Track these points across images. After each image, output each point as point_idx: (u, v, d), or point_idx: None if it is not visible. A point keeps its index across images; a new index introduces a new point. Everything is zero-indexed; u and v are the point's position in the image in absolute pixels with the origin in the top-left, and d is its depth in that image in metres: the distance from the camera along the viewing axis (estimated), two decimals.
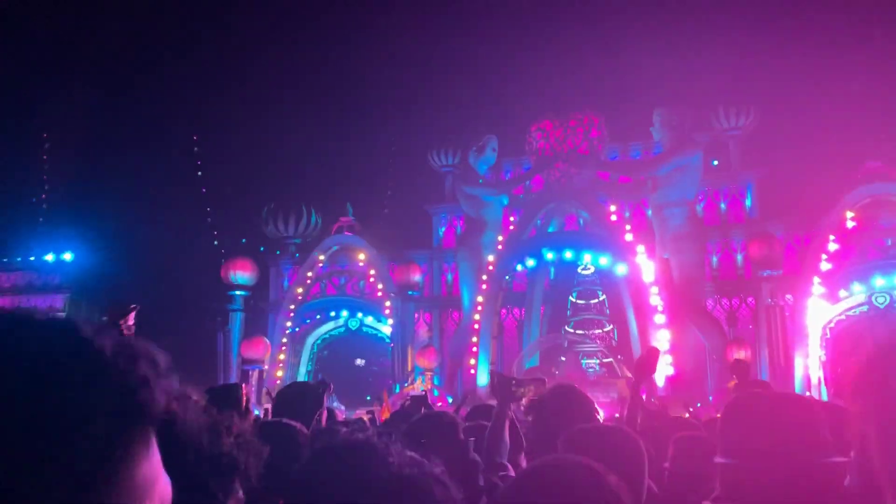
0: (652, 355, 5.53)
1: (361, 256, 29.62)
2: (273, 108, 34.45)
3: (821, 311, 24.05)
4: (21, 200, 33.41)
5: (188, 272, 30.03)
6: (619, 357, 25.14)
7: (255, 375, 28.80)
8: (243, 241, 31.87)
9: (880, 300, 24.75)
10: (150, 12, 32.86)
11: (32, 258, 33.14)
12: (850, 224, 23.87)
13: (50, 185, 33.58)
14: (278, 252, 32.01)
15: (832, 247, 23.83)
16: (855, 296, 24.92)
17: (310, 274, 30.02)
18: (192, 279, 30.21)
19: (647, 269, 23.98)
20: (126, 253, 31.93)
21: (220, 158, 33.94)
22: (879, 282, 24.22)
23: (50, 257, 32.68)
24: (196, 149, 33.16)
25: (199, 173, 33.19)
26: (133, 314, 3.26)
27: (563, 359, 25.78)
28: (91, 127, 31.09)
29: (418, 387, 26.32)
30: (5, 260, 33.57)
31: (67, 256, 32.59)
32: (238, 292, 30.03)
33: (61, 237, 32.60)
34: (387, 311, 28.65)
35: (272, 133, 34.71)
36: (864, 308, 25.23)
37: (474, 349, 25.77)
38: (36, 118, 32.54)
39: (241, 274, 29.81)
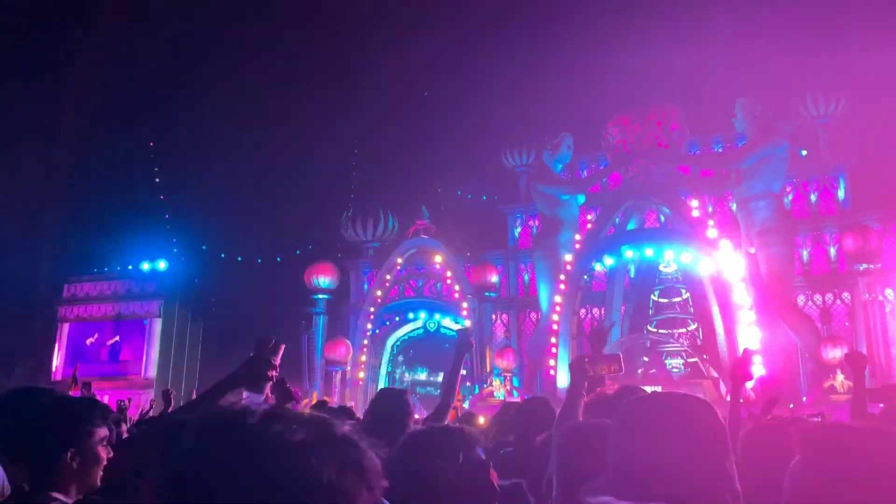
0: (745, 359, 5.34)
1: (438, 258, 29.96)
2: (350, 114, 35.26)
3: None
4: (117, 211, 35.45)
5: (273, 277, 31.14)
6: (704, 356, 24.40)
7: (338, 377, 29.64)
8: (309, 247, 32.74)
9: None
10: (240, 17, 34.19)
11: (130, 267, 35.17)
12: None
13: (146, 195, 35.51)
14: (357, 256, 32.83)
15: None
16: None
17: (388, 277, 30.60)
18: (278, 284, 31.32)
19: (733, 264, 23.19)
20: (216, 261, 33.46)
21: (301, 164, 35.02)
22: None
23: (146, 266, 34.60)
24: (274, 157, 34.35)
25: (284, 179, 34.36)
26: (281, 351, 3.36)
27: (645, 359, 25.24)
28: (186, 141, 32.73)
29: (497, 388, 26.39)
30: (106, 269, 35.77)
31: (161, 265, 34.39)
32: (320, 296, 30.99)
33: (156, 246, 34.46)
34: (464, 313, 28.85)
35: (350, 138, 35.54)
36: None
37: (553, 350, 25.58)
38: (142, 136, 34.40)
39: (323, 278, 30.74)
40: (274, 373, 3.20)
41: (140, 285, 34.41)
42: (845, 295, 24.78)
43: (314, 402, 27.50)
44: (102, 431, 3.01)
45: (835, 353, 22.06)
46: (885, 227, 24.58)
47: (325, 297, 31.07)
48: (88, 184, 34.33)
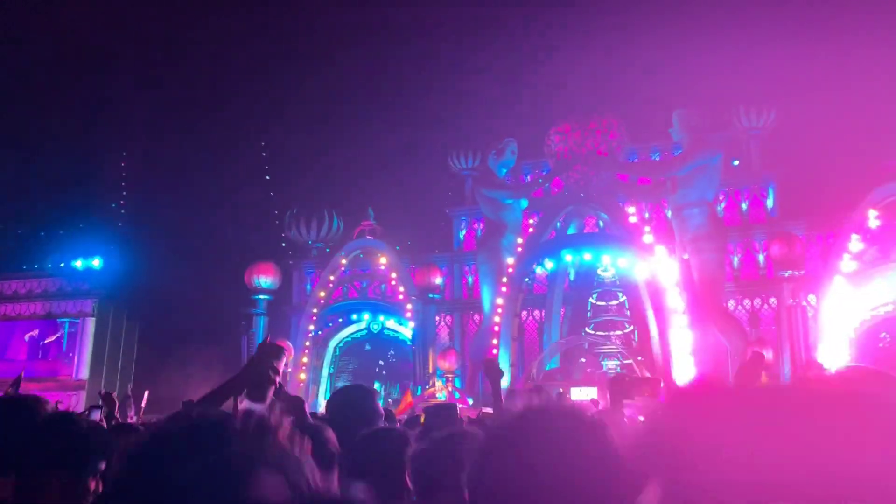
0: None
1: (383, 260, 29.96)
2: (296, 114, 34.95)
3: (846, 312, 23.78)
4: (50, 208, 34.26)
5: (213, 277, 30.56)
6: (638, 358, 25.11)
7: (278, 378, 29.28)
8: (251, 247, 32.29)
9: None
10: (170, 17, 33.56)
11: (62, 264, 34.00)
12: (873, 223, 23.61)
13: (80, 193, 34.39)
14: (301, 257, 32.54)
15: (855, 246, 23.57)
16: (880, 295, 24.64)
17: (332, 278, 30.43)
18: (217, 284, 30.74)
19: (667, 270, 23.96)
20: (152, 259, 32.63)
21: (243, 164, 34.52)
22: None
23: (79, 264, 33.50)
24: (220, 154, 33.77)
25: (224, 179, 33.76)
26: (284, 357, 3.20)
27: (583, 360, 25.83)
28: (124, 136, 31.86)
29: (439, 389, 26.56)
30: (36, 266, 34.49)
31: (96, 263, 33.37)
32: (262, 296, 30.55)
33: (90, 244, 33.39)
34: (408, 314, 28.94)
35: (294, 138, 35.21)
36: (889, 308, 24.94)
37: (494, 351, 25.90)
38: (78, 131, 33.34)
39: (265, 278, 30.32)
40: (278, 378, 3.08)
41: (73, 283, 33.28)
42: (772, 300, 25.91)
43: None
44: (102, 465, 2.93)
45: (768, 354, 23.04)
46: (809, 236, 25.78)
47: (266, 297, 30.65)
48: (20, 180, 33.09)
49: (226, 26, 34.89)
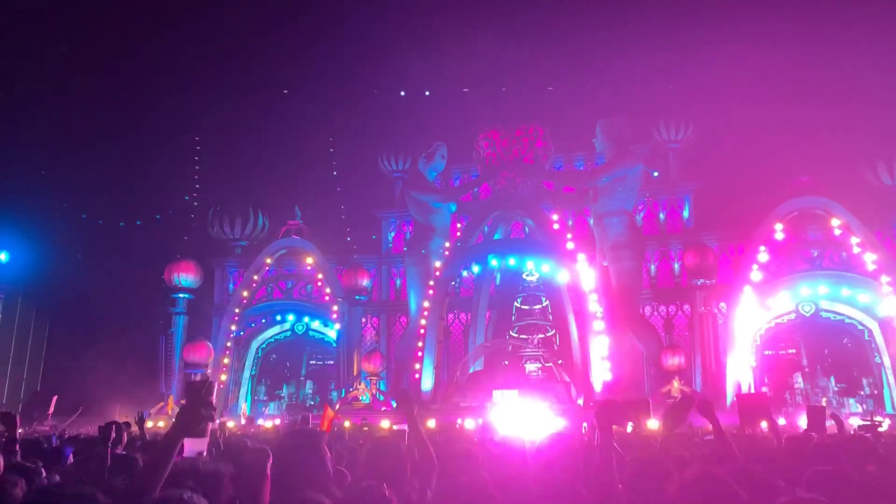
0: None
1: (309, 260, 29.57)
2: (222, 110, 34.09)
3: (751, 319, 25.08)
4: None
5: (130, 274, 29.42)
6: (559, 361, 25.72)
7: (197, 379, 28.44)
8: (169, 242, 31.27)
9: (806, 309, 26.00)
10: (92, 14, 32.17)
11: None
12: (779, 236, 25.00)
13: None
14: (224, 255, 31.76)
15: (763, 257, 24.90)
16: (783, 305, 26.11)
17: (256, 277, 29.81)
18: (135, 281, 29.62)
19: (588, 276, 24.67)
20: (65, 254, 31.14)
21: (166, 158, 33.39)
22: (805, 291, 25.44)
23: None
24: (141, 148, 32.56)
25: (147, 174, 32.55)
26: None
27: (506, 362, 26.24)
28: (32, 126, 30.25)
29: (362, 392, 26.42)
30: None
31: (2, 256, 31.57)
32: (181, 295, 29.63)
33: None
34: (334, 316, 28.65)
35: (219, 134, 34.34)
36: (792, 316, 26.46)
37: (420, 354, 26.02)
38: None
39: (185, 276, 29.43)
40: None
41: None
42: (686, 307, 27.02)
43: (171, 405, 26.39)
44: None
45: (674, 361, 24.01)
46: (721, 247, 27.07)
47: (186, 296, 29.76)
48: None
49: (152, 18, 33.77)
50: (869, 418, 20.03)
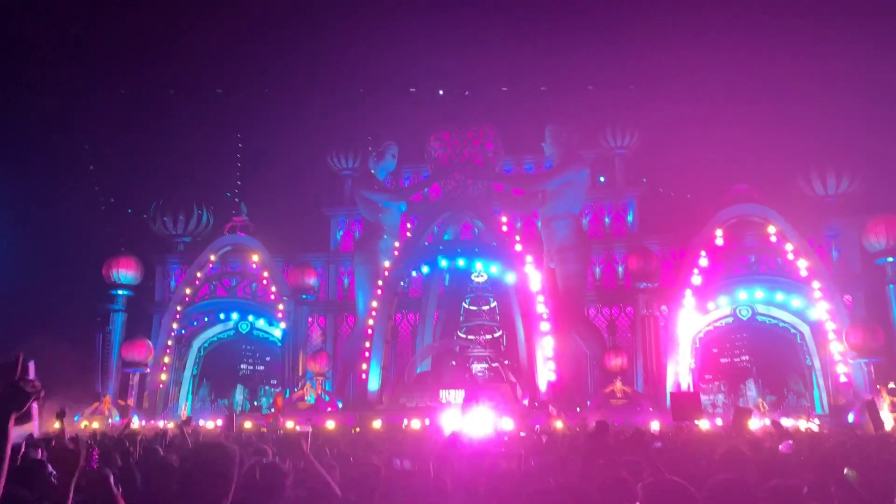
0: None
1: (255, 258, 29.03)
2: (165, 103, 33.20)
3: (691, 322, 25.84)
4: None
5: (67, 269, 28.33)
6: (505, 362, 25.95)
7: (136, 378, 27.59)
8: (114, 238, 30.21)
9: (743, 312, 26.98)
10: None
11: None
12: (719, 241, 25.83)
13: None
14: (165, 251, 30.90)
15: (703, 262, 25.68)
16: (721, 308, 27.01)
17: (199, 274, 29.10)
18: (71, 276, 28.52)
19: (535, 278, 24.97)
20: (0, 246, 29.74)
21: (108, 151, 32.27)
22: (743, 295, 26.37)
23: None
24: (84, 142, 31.39)
25: (91, 167, 31.38)
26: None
27: (453, 363, 26.30)
28: None
29: (308, 392, 26.08)
30: None
31: None
32: (121, 292, 28.63)
33: None
34: (280, 315, 28.20)
35: (163, 128, 33.41)
36: (730, 320, 27.41)
37: (367, 354, 25.85)
38: None
39: (125, 272, 28.47)
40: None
41: None
42: (629, 309, 27.62)
43: (107, 405, 25.51)
44: None
45: (617, 362, 24.52)
46: (664, 251, 27.76)
47: (125, 293, 28.78)
48: None
49: (102, 14, 32.62)
50: (803, 418, 20.90)
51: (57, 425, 9.69)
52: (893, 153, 25.66)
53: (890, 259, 24.41)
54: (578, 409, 22.61)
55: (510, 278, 25.26)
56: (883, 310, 24.44)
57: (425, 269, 26.98)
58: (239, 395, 29.23)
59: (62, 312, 28.18)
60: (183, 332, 29.01)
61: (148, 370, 27.56)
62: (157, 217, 30.51)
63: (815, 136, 27.45)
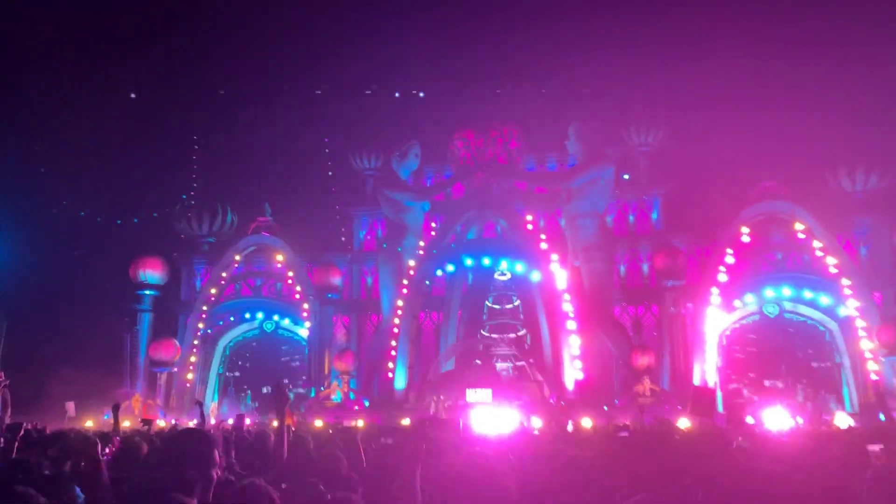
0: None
1: (279, 258, 29.20)
2: (191, 104, 33.47)
3: (718, 320, 25.67)
4: None
5: (96, 270, 28.67)
6: (530, 361, 25.89)
7: (163, 378, 27.88)
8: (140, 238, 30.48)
9: (770, 310, 26.72)
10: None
11: None
12: (745, 239, 25.63)
13: None
14: (191, 251, 31.15)
15: (729, 260, 25.49)
16: (748, 306, 26.77)
17: (224, 274, 29.32)
18: (100, 277, 28.85)
19: (560, 276, 24.90)
20: (24, 248, 30.13)
21: (135, 152, 32.59)
22: (769, 293, 26.13)
23: None
24: (110, 142, 31.72)
25: (112, 167, 31.73)
26: None
27: (478, 361, 26.29)
28: None
29: (334, 390, 26.19)
30: None
31: None
32: (147, 292, 28.95)
33: None
34: (304, 314, 28.36)
35: (189, 129, 33.70)
36: (756, 317, 27.15)
37: (393, 353, 25.94)
38: None
39: (152, 273, 28.77)
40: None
41: None
42: (654, 307, 27.45)
43: (136, 403, 25.76)
44: None
45: (644, 361, 24.40)
46: (690, 249, 27.57)
47: (152, 293, 29.09)
48: None
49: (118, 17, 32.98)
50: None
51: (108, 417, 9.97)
52: None
53: None
54: (606, 408, 22.54)
55: (536, 277, 25.21)
56: None
57: (450, 268, 26.98)
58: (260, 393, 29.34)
59: (90, 313, 28.57)
60: (209, 331, 29.25)
61: (175, 369, 27.81)
62: (182, 217, 30.77)
63: (843, 131, 27.13)
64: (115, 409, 9.86)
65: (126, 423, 22.35)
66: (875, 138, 26.64)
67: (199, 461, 3.36)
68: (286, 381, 26.91)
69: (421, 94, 32.19)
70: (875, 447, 5.77)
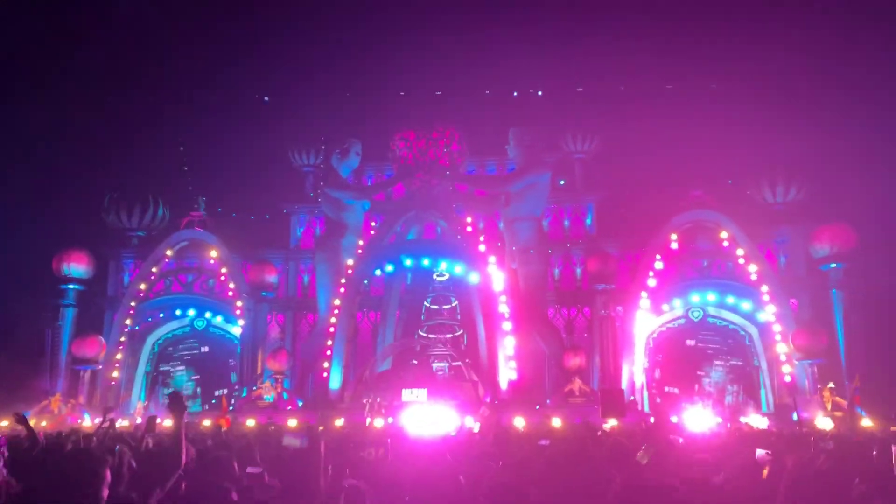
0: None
1: (213, 254, 28.52)
2: (123, 94, 32.29)
3: (646, 323, 26.61)
4: None
5: (14, 263, 27.26)
6: (466, 361, 26.19)
7: (87, 375, 26.81)
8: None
9: (695, 314, 27.85)
10: None
11: None
12: (674, 245, 26.68)
13: None
14: (119, 245, 30.06)
15: (658, 265, 26.48)
16: (674, 310, 27.84)
17: (154, 270, 28.45)
18: (19, 271, 27.46)
19: (497, 278, 25.31)
20: None
21: (61, 141, 31.16)
22: (695, 298, 27.23)
23: None
24: (35, 130, 30.21)
25: (35, 155, 30.24)
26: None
27: (415, 361, 26.42)
28: None
29: (267, 391, 25.78)
30: None
31: None
32: (71, 286, 27.73)
33: None
34: (238, 312, 27.79)
35: (119, 119, 32.48)
36: (682, 321, 28.25)
37: (328, 352, 25.76)
38: None
39: (76, 266, 27.60)
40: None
41: None
42: (586, 310, 28.28)
43: (55, 403, 24.68)
44: None
45: (575, 361, 25.07)
46: (621, 254, 28.49)
47: (76, 287, 27.92)
48: None
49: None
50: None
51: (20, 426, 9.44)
52: (838, 163, 26.93)
53: (834, 265, 25.64)
54: (538, 408, 23.04)
55: (474, 278, 25.53)
56: (826, 313, 25.65)
57: (389, 268, 27.00)
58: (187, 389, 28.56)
59: (9, 307, 27.18)
60: (137, 328, 28.30)
61: (100, 367, 26.81)
62: (111, 210, 29.69)
63: (766, 146, 28.57)
64: (21, 419, 9.27)
65: (44, 423, 21.50)
66: (795, 153, 28.15)
67: (85, 485, 3.53)
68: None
69: (336, 88, 32.01)
70: (762, 452, 6.16)
